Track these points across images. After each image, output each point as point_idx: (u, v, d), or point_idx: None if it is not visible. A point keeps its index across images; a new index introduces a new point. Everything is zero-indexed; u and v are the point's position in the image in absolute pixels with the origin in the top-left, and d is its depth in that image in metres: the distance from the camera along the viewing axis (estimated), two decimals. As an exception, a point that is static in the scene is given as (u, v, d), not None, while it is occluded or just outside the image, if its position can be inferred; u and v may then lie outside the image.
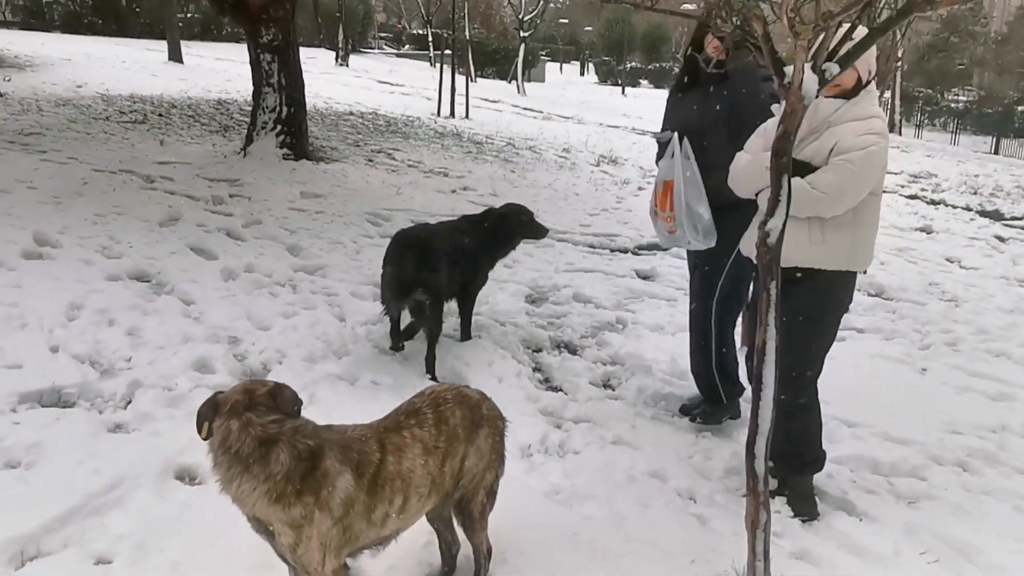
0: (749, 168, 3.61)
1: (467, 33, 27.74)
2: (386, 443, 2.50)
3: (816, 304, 3.64)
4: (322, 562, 2.38)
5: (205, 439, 2.35)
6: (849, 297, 3.76)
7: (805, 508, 3.74)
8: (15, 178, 7.55)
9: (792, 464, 3.77)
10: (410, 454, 2.52)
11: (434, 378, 4.66)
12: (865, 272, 3.76)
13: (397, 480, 2.48)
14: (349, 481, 2.39)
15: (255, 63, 10.12)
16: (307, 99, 10.68)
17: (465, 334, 5.29)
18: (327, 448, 2.39)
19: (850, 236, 3.52)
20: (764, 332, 2.66)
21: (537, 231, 5.47)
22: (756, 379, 2.71)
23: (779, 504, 3.68)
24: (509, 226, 5.35)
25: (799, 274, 3.56)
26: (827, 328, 3.73)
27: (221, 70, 23.61)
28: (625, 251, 8.11)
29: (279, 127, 10.04)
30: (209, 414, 2.34)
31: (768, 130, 3.61)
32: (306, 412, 3.90)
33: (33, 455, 3.43)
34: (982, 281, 8.36)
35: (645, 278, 7.24)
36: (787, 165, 2.58)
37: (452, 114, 18.54)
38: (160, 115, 13.18)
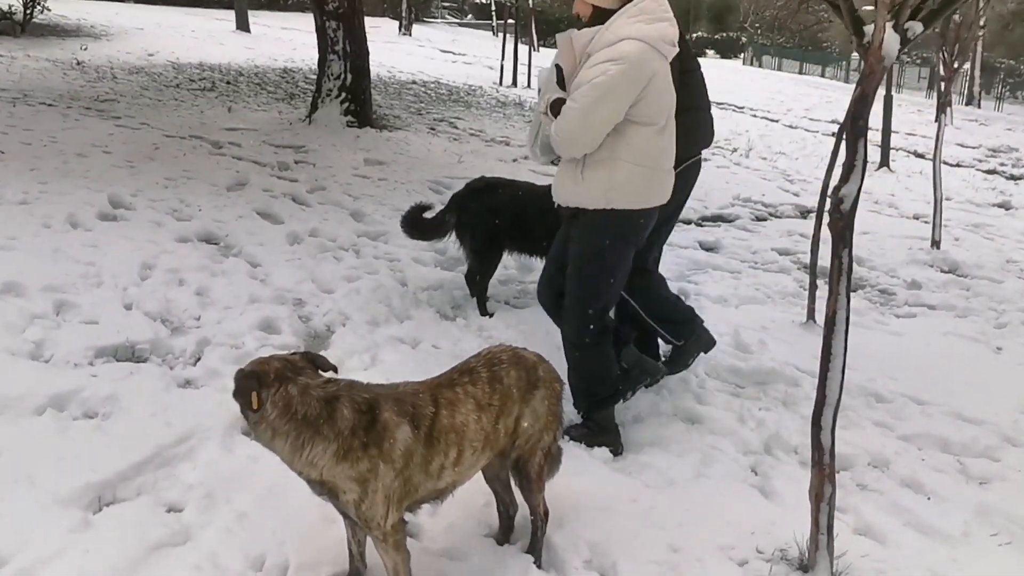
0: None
1: (530, 1, 27.45)
2: (439, 398, 2.52)
3: (590, 241, 3.52)
4: (385, 516, 2.42)
5: (256, 410, 2.31)
6: (633, 236, 3.59)
7: (608, 439, 3.70)
8: (91, 143, 7.79)
9: (590, 400, 3.73)
10: (463, 409, 2.53)
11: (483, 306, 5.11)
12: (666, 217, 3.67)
13: (451, 433, 2.50)
14: (407, 432, 2.42)
15: (320, 30, 10.20)
16: (371, 68, 10.73)
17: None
18: (383, 401, 2.42)
19: (607, 174, 3.37)
20: (835, 301, 2.59)
21: None
22: (825, 349, 2.64)
23: (843, 479, 3.60)
24: None
25: (575, 213, 3.51)
26: (607, 266, 3.58)
27: (287, 39, 23.88)
28: (689, 222, 7.98)
29: (343, 94, 10.12)
30: (254, 384, 2.30)
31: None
32: (368, 374, 3.99)
33: (109, 406, 3.55)
34: (1064, 259, 8.00)
35: (709, 250, 7.12)
36: (864, 129, 2.49)
37: (514, 83, 18.44)
38: (228, 83, 13.42)
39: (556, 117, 3.42)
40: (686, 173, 4.09)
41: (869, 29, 2.42)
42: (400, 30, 33.71)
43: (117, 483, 3.11)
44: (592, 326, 3.68)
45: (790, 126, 17.00)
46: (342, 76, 10.09)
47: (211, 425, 3.51)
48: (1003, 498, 3.62)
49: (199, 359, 4.15)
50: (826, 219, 5.15)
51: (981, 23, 20.00)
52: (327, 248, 5.82)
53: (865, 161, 2.49)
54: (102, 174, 6.75)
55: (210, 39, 21.55)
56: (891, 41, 2.36)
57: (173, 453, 3.33)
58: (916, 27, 2.41)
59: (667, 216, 4.02)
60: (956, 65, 7.85)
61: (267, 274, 5.21)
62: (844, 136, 5.02)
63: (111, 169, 6.97)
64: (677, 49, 3.55)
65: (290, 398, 2.32)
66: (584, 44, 3.37)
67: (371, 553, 2.72)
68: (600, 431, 3.77)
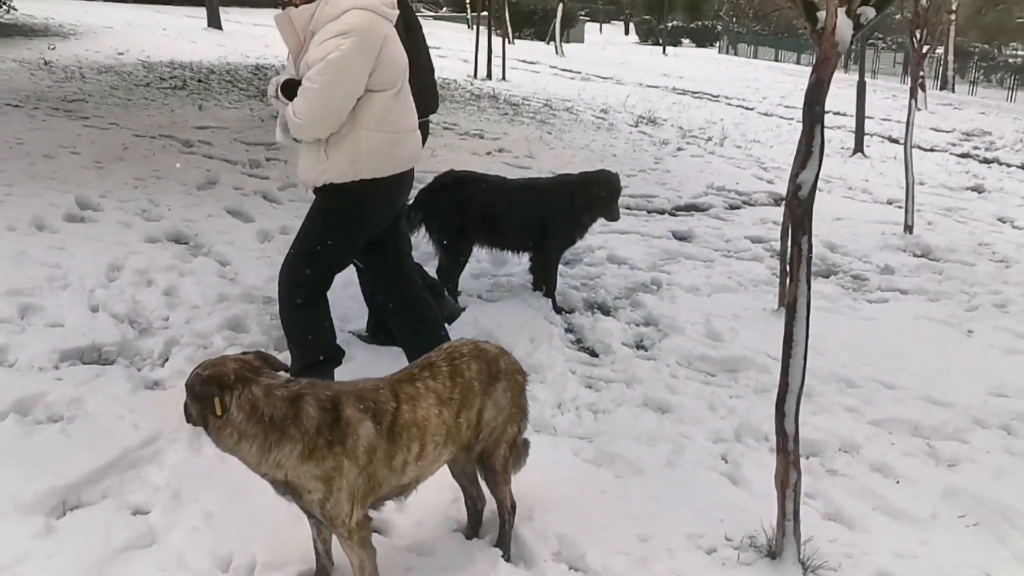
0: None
1: (505, -6, 27.36)
2: (400, 393, 2.51)
3: (330, 207, 3.52)
4: (350, 513, 2.40)
5: (221, 415, 2.26)
6: (381, 204, 3.57)
7: None
8: (59, 144, 7.69)
9: (309, 362, 3.70)
10: (424, 404, 2.52)
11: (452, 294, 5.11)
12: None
13: (413, 428, 2.49)
14: (370, 428, 2.40)
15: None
16: (343, 62, 10.62)
17: (536, 286, 5.40)
18: (344, 398, 2.41)
19: (351, 146, 3.34)
20: (795, 288, 2.59)
21: (610, 212, 5.37)
22: (787, 337, 2.65)
23: (812, 465, 3.63)
24: (588, 194, 5.29)
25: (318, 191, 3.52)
26: (339, 232, 3.55)
27: (259, 36, 23.65)
28: (662, 212, 8.00)
29: (315, 90, 10.03)
30: (214, 389, 2.26)
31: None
32: (339, 371, 3.95)
33: (74, 410, 3.51)
34: (1035, 242, 8.09)
35: (682, 239, 7.14)
36: (820, 115, 2.49)
37: (489, 76, 18.38)
38: (199, 81, 13.28)
39: (290, 99, 3.34)
40: None
41: (823, 15, 2.42)
42: (375, 24, 33.44)
43: (82, 487, 3.07)
44: (306, 287, 3.62)
45: (765, 114, 17.07)
46: (314, 71, 10.00)
47: (179, 426, 3.45)
48: (971, 480, 3.66)
49: (167, 360, 4.11)
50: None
51: (953, 7, 20.15)
52: (298, 245, 5.77)
53: (822, 147, 2.49)
54: (70, 175, 6.66)
55: (181, 36, 21.33)
56: (844, 27, 2.37)
57: (140, 455, 3.30)
58: (869, 12, 2.41)
59: None
60: (925, 50, 7.87)
61: (236, 273, 5.17)
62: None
63: (79, 170, 6.88)
64: (398, 11, 3.49)
65: (256, 399, 2.30)
66: (306, 22, 3.29)
67: (338, 550, 2.71)
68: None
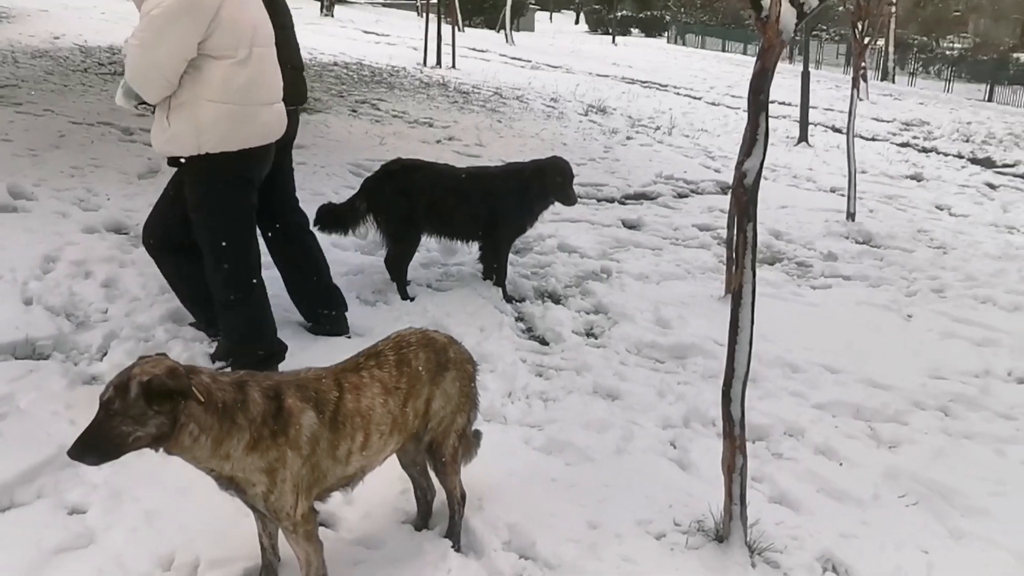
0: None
1: (455, -19, 27.18)
2: (343, 382, 2.47)
3: (196, 193, 3.42)
4: (295, 505, 2.35)
5: (204, 401, 2.15)
6: (238, 181, 3.46)
7: None
8: (-11, 130, 7.39)
9: (248, 357, 3.63)
10: (368, 393, 2.48)
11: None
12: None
13: (357, 417, 2.44)
14: (312, 418, 2.35)
15: (234, 11, 9.89)
16: (289, 48, 10.43)
17: (486, 275, 5.37)
18: (285, 387, 2.35)
19: (191, 116, 3.24)
20: (741, 275, 2.61)
21: (566, 197, 5.39)
22: (732, 323, 2.67)
23: (758, 449, 3.68)
24: (541, 181, 5.29)
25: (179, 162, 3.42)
26: (220, 218, 3.48)
27: (204, 21, 23.06)
28: (612, 201, 8.04)
29: (260, 77, 9.83)
30: (185, 380, 2.13)
31: None
32: (286, 363, 3.89)
33: (5, 407, 3.38)
34: (971, 228, 8.35)
35: (631, 227, 7.18)
36: (764, 103, 2.51)
37: (439, 64, 18.24)
38: (140, 66, 12.90)
39: None
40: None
41: (767, 3, 2.43)
42: (322, 11, 33.00)
43: (15, 486, 2.96)
44: (234, 282, 3.55)
45: (712, 103, 17.26)
46: (258, 58, 9.80)
47: (117, 422, 3.37)
48: (911, 460, 3.76)
49: (106, 353, 3.98)
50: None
51: (893, 0, 20.62)
52: (243, 235, 5.64)
53: (767, 135, 2.51)
54: (1, 164, 6.41)
55: (122, 21, 20.63)
56: (788, 15, 2.38)
57: (77, 453, 3.19)
58: (812, 1, 2.43)
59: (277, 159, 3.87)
60: (867, 42, 8.03)
61: (179, 263, 5.03)
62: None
63: (11, 158, 6.62)
64: None
65: (210, 387, 2.21)
66: None
67: (285, 545, 2.66)
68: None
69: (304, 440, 2.33)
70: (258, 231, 3.98)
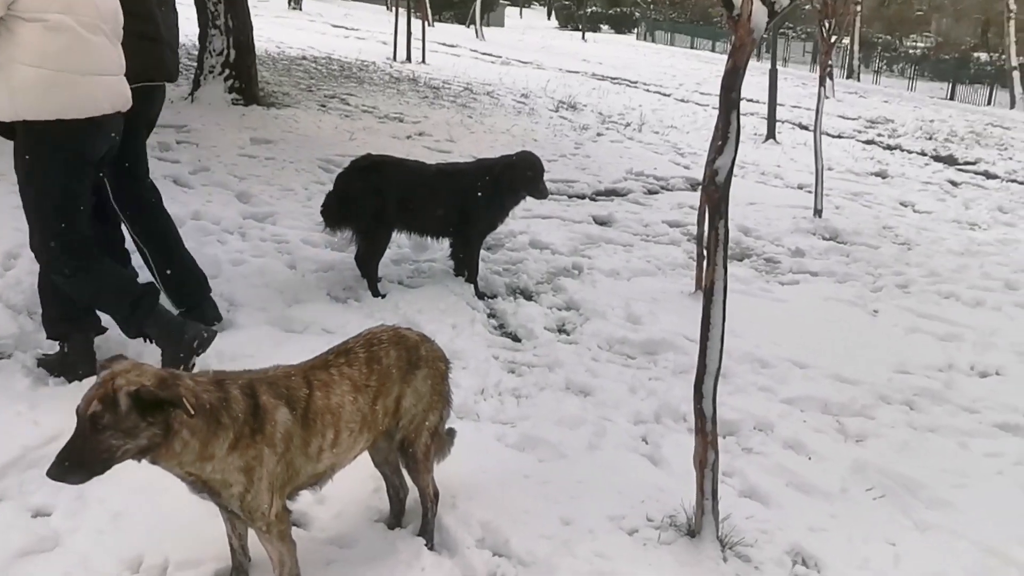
0: None
1: (424, -24, 27.03)
2: (312, 380, 2.44)
3: (20, 161, 3.34)
4: (270, 504, 2.33)
5: (194, 414, 2.09)
6: (64, 151, 3.32)
7: (83, 367, 3.61)
8: (-53, 124, 7.21)
9: (76, 323, 3.64)
10: (338, 390, 2.46)
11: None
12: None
13: (327, 414, 2.42)
14: (286, 414, 2.33)
15: (200, 5, 9.74)
16: (258, 44, 10.34)
17: (458, 272, 5.36)
18: (257, 385, 2.33)
19: (5, 78, 3.13)
20: (713, 272, 2.63)
21: (537, 191, 5.40)
22: (704, 319, 2.69)
23: (729, 444, 3.71)
24: (512, 176, 5.29)
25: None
26: (45, 189, 3.38)
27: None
28: (583, 197, 8.05)
29: (227, 71, 9.71)
30: (176, 390, 2.08)
31: None
32: (255, 360, 3.83)
33: (-35, 408, 3.31)
34: (934, 225, 8.49)
35: (602, 224, 7.20)
36: (736, 101, 2.52)
37: (408, 59, 18.13)
38: (103, 59, 12.68)
39: None
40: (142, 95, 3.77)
41: (739, 1, 2.45)
42: (290, 4, 32.65)
43: (-23, 489, 2.90)
44: (65, 255, 3.46)
45: (682, 100, 17.38)
46: (225, 52, 9.67)
47: (83, 422, 3.31)
48: (878, 454, 3.81)
49: (69, 353, 3.91)
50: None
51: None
52: (211, 231, 5.58)
53: (738, 133, 2.53)
54: (-41, 158, 6.26)
55: None
56: (759, 13, 2.40)
57: (41, 454, 3.11)
58: (783, 0, 2.45)
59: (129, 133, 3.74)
60: (833, 40, 8.13)
61: (145, 260, 4.95)
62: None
63: (-31, 152, 6.47)
64: None
65: (195, 391, 2.17)
66: None
67: (255, 546, 2.63)
68: (78, 357, 3.64)
69: (279, 437, 2.31)
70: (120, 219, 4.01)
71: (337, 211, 5.00)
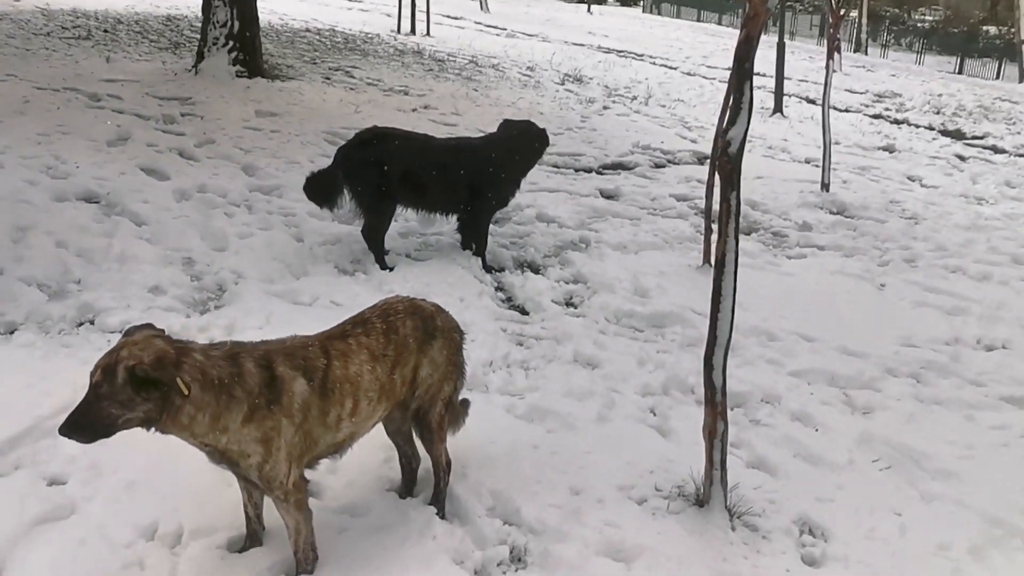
0: None
1: (428, -53, 26.70)
2: (330, 349, 2.46)
3: None
4: (288, 474, 2.35)
5: (188, 394, 2.13)
6: None
7: None
8: (-49, 96, 7.20)
9: None
10: (356, 360, 2.47)
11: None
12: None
13: (345, 384, 2.44)
14: (303, 385, 2.35)
15: (203, -25, 9.67)
16: (261, 15, 10.26)
17: (465, 245, 5.39)
18: (274, 356, 2.34)
19: None
20: (723, 244, 2.63)
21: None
22: (715, 291, 2.69)
23: (736, 415, 3.73)
24: (527, 150, 5.32)
25: None
26: None
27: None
28: (589, 171, 8.02)
29: (231, 43, 9.66)
30: (171, 371, 2.11)
31: None
32: (264, 332, 3.85)
33: (-21, 378, 3.34)
34: (942, 199, 8.45)
35: (609, 197, 7.18)
36: (749, 71, 2.51)
37: (413, 31, 17.99)
38: (105, 31, 12.60)
39: None
40: None
41: (753, -30, 2.43)
42: (293, -24, 32.29)
43: (-8, 458, 2.93)
44: None
45: (688, 73, 17.23)
46: (228, 23, 9.61)
47: (95, 392, 3.33)
48: (884, 426, 3.83)
49: (81, 324, 3.94)
50: (720, 164, 5.25)
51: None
52: (217, 204, 5.58)
53: (751, 104, 2.51)
54: (-35, 130, 6.26)
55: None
56: (773, -17, 2.37)
57: (54, 423, 3.09)
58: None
59: None
60: (843, 12, 8.04)
61: (153, 233, 4.96)
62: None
63: (-26, 124, 6.46)
64: None
65: (203, 365, 2.19)
66: None
67: (269, 514, 2.66)
68: None
69: (296, 408, 2.33)
70: None
71: (317, 189, 4.95)
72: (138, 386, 2.08)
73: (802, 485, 3.28)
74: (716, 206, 5.24)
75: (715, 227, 5.37)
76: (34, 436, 3.07)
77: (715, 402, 2.77)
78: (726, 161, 2.54)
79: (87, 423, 2.09)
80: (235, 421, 2.24)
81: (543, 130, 5.39)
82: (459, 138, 5.59)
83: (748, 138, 8.39)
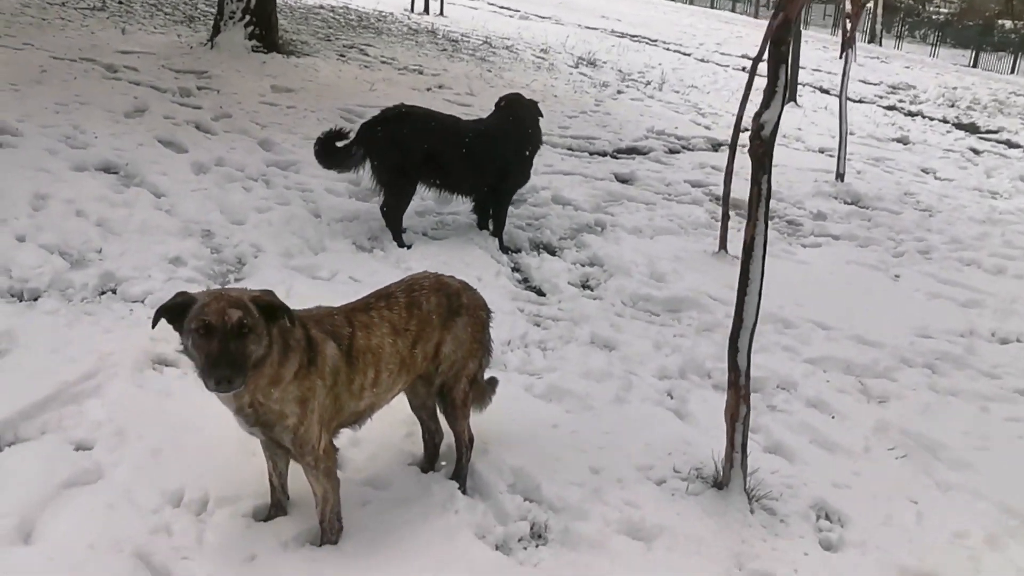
0: None
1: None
2: (354, 320, 2.48)
3: None
4: (319, 438, 2.38)
5: (292, 324, 2.25)
6: None
7: None
8: (-32, 63, 7.19)
9: None
10: (378, 332, 2.50)
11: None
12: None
13: (368, 354, 2.47)
14: (334, 348, 2.38)
15: (221, -52, 9.62)
16: (275, -11, 10.20)
17: (481, 225, 5.45)
18: (305, 319, 2.37)
19: None
20: (753, 227, 2.63)
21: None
22: (743, 274, 2.70)
23: (754, 400, 3.74)
24: (538, 129, 5.37)
25: None
26: None
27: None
28: (604, 154, 8.00)
29: (247, 17, 9.62)
30: (277, 298, 2.23)
31: None
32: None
33: (5, 343, 3.36)
34: (956, 192, 8.43)
35: (624, 182, 7.17)
36: (785, 54, 2.50)
37: (426, 11, 17.90)
38: (120, 2, 12.53)
39: None
40: None
41: (792, -48, 2.42)
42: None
43: (19, 422, 2.96)
44: None
45: (702, 60, 17.14)
46: (246, -2, 9.57)
47: (119, 360, 3.37)
48: (900, 415, 3.85)
49: (103, 292, 3.96)
50: (741, 150, 5.23)
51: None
52: (235, 178, 5.58)
53: (786, 86, 2.51)
54: (-17, 97, 6.25)
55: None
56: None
57: (79, 389, 3.18)
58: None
59: None
60: (863, 1, 7.98)
61: (172, 204, 4.97)
62: (754, 68, 5.07)
63: (-7, 92, 6.46)
64: None
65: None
66: None
67: (294, 484, 2.69)
68: None
69: (328, 370, 2.36)
70: None
71: (329, 152, 4.93)
72: (268, 317, 2.16)
73: (819, 471, 3.31)
74: (735, 193, 5.28)
75: (733, 214, 5.41)
76: (60, 401, 3.10)
77: (739, 385, 2.79)
78: (759, 144, 2.54)
79: (236, 362, 2.08)
80: (289, 374, 2.27)
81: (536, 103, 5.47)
82: (484, 119, 5.53)
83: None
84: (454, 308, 2.70)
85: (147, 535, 2.54)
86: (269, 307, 2.16)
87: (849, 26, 8.02)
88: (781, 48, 2.48)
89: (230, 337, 2.07)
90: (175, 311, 2.14)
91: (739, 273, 2.71)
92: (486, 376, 2.98)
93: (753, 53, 5.32)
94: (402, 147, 4.91)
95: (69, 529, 2.53)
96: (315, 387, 2.31)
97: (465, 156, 5.03)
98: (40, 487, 2.66)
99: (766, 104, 2.52)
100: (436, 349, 2.68)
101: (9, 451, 2.84)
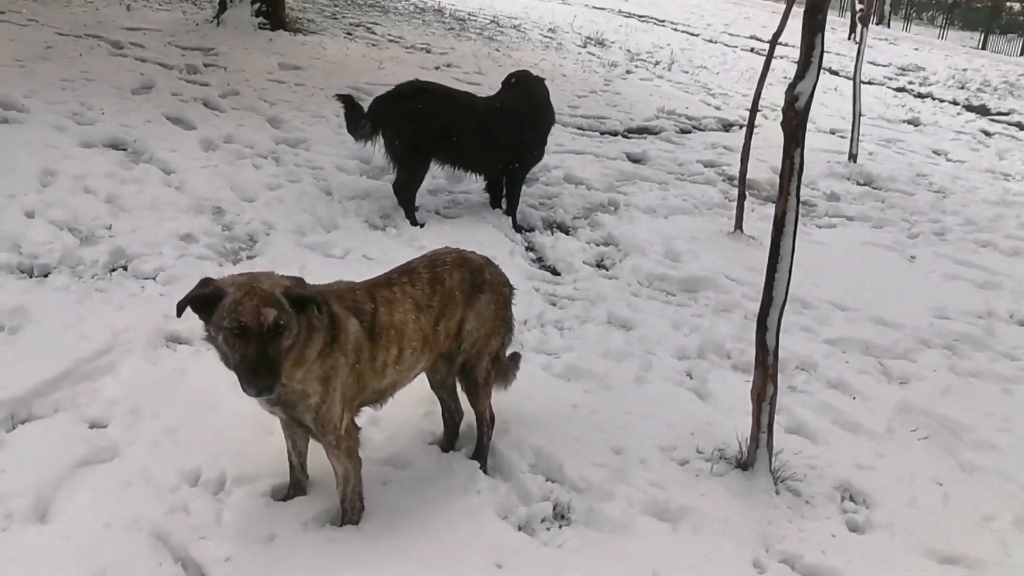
0: None
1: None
2: (376, 296, 2.43)
3: None
4: (341, 417, 2.33)
5: (320, 312, 2.21)
6: None
7: None
8: (-28, 39, 7.10)
9: None
10: (401, 308, 2.44)
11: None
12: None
13: (391, 330, 2.41)
14: (356, 325, 2.33)
15: (226, -77, 9.48)
16: (281, -34, 10.06)
17: (494, 203, 5.41)
18: (328, 295, 2.31)
19: None
20: (785, 202, 2.57)
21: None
22: (773, 250, 2.64)
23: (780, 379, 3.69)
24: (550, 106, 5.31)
25: None
26: None
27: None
28: (615, 134, 7.91)
29: (253, -6, 9.50)
30: (307, 287, 2.20)
31: None
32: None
33: (17, 319, 3.31)
34: (968, 174, 8.34)
35: (636, 161, 7.09)
36: (821, 23, 2.43)
37: (432, -10, 17.69)
38: (124, -21, 12.40)
39: None
40: None
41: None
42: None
43: (32, 399, 2.91)
44: None
45: (710, 40, 16.96)
46: (251, -26, 9.45)
47: (132, 337, 3.32)
48: (922, 396, 3.80)
49: (114, 269, 3.91)
50: (756, 131, 5.15)
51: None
52: (244, 155, 5.51)
53: (821, 57, 2.44)
54: (-12, 73, 6.17)
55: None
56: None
57: (92, 367, 3.14)
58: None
59: None
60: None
61: (182, 181, 4.90)
62: (772, 46, 4.98)
63: (-2, 68, 6.37)
64: None
65: None
66: None
67: (313, 463, 2.64)
68: None
69: (351, 348, 2.30)
70: None
71: (353, 116, 4.86)
72: (298, 309, 2.11)
73: (842, 452, 3.26)
74: (751, 173, 5.21)
75: (749, 193, 5.34)
76: (73, 379, 3.05)
77: (766, 364, 2.73)
78: (792, 116, 2.48)
79: (274, 366, 2.03)
80: (313, 354, 2.22)
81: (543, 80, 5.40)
82: (497, 95, 5.43)
83: (773, 107, 8.29)
84: (477, 284, 2.64)
85: (164, 514, 2.50)
86: (300, 299, 2.10)
87: (862, 5, 7.92)
88: (817, 17, 2.41)
89: (267, 339, 2.00)
90: (203, 303, 2.07)
91: (769, 249, 2.65)
92: (508, 352, 2.93)
93: (761, 34, 5.23)
94: (416, 123, 4.83)
95: (85, 508, 2.49)
96: (338, 365, 2.26)
97: (480, 133, 4.95)
98: (55, 466, 2.62)
99: (800, 75, 2.45)
100: (459, 326, 2.62)
101: (23, 428, 2.80)
